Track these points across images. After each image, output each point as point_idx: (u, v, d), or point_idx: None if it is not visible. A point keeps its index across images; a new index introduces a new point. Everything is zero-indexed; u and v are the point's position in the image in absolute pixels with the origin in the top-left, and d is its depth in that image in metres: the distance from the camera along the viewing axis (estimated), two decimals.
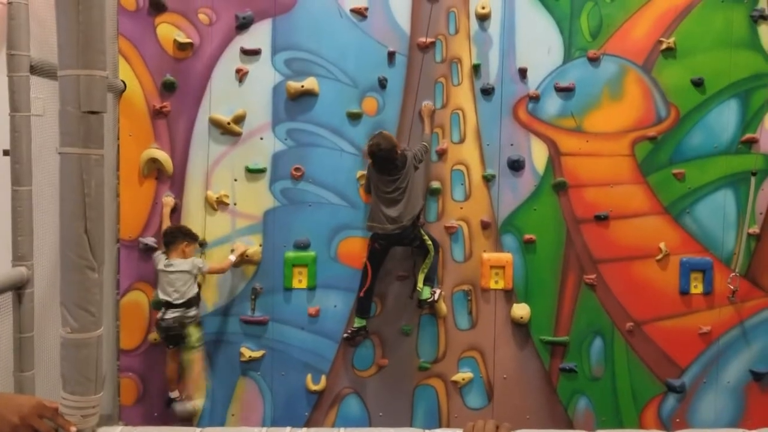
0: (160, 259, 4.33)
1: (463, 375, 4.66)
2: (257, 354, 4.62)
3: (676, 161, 4.61)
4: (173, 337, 4.33)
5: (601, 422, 4.63)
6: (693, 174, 4.60)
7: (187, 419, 4.45)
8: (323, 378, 4.65)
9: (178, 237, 4.34)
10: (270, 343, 4.64)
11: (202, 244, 4.53)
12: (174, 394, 4.47)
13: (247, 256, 4.55)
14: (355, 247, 4.62)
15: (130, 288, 4.57)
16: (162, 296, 4.29)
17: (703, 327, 4.60)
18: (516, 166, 4.61)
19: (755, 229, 4.60)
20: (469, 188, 4.65)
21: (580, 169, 4.61)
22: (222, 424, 4.62)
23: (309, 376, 4.64)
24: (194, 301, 4.35)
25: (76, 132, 1.46)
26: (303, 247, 4.62)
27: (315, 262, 4.62)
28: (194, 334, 4.35)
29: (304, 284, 4.63)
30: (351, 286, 4.63)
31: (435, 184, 4.62)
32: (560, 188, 4.61)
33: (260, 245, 4.60)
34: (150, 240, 4.51)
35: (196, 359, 4.39)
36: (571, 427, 4.63)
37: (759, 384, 4.63)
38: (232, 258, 4.44)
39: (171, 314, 4.27)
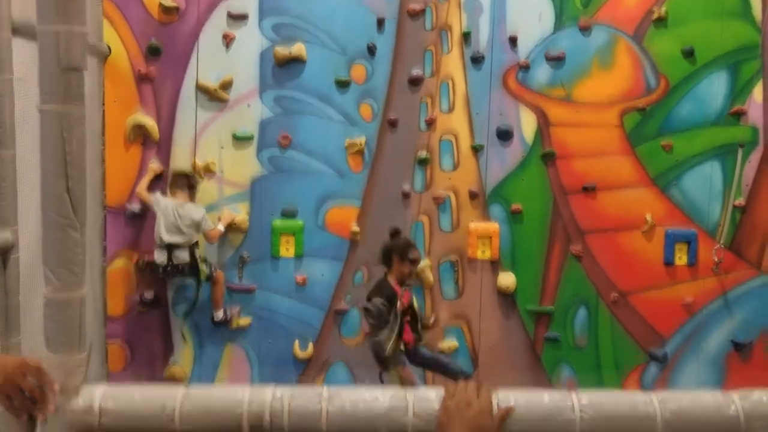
0: (165, 200, 4.30)
1: (449, 344, 4.70)
2: (245, 321, 4.64)
3: (664, 132, 4.62)
4: (187, 273, 4.35)
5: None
6: (681, 145, 4.62)
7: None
8: (311, 345, 4.67)
9: (185, 180, 4.38)
10: (257, 310, 4.66)
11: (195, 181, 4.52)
12: (219, 314, 4.51)
13: (234, 224, 4.54)
14: (343, 216, 4.62)
15: (116, 255, 4.55)
16: (167, 238, 4.26)
17: (686, 298, 4.66)
18: (505, 136, 4.60)
19: (741, 201, 4.63)
20: (458, 158, 4.64)
21: (569, 139, 4.61)
22: None
23: (296, 344, 4.67)
24: (197, 242, 4.37)
25: (55, 89, 1.43)
26: (290, 215, 4.61)
27: (302, 230, 4.62)
28: (204, 266, 4.41)
29: (291, 253, 4.63)
30: (339, 255, 4.65)
31: (423, 154, 4.61)
32: (548, 159, 4.62)
33: (247, 213, 4.59)
34: (136, 207, 4.49)
35: (219, 280, 4.47)
36: None
37: (740, 354, 4.70)
38: (221, 227, 4.43)
39: (181, 252, 4.29)
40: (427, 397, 1.55)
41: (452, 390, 1.53)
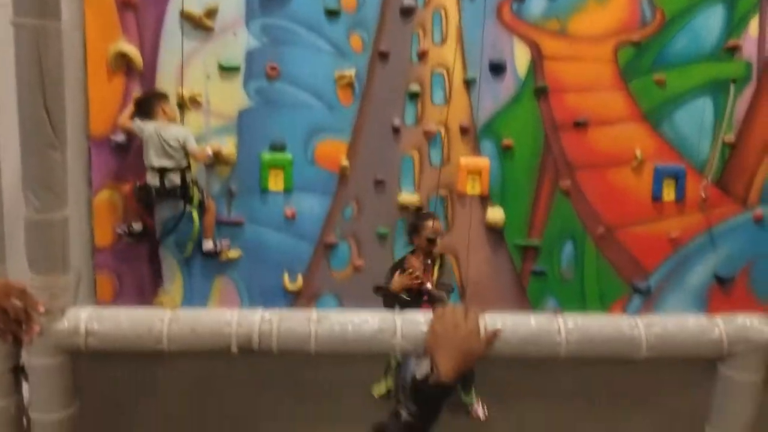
0: (147, 125, 4.23)
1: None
2: (234, 254, 4.64)
3: (658, 67, 4.55)
4: (180, 196, 4.32)
5: None
6: (674, 80, 4.56)
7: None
8: (300, 278, 4.70)
9: (153, 100, 4.26)
10: (246, 243, 4.65)
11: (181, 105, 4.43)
12: (209, 244, 4.51)
13: (221, 156, 4.48)
14: (332, 150, 4.57)
15: (103, 186, 4.50)
16: (156, 162, 4.22)
17: (672, 233, 4.69)
18: (497, 69, 4.52)
19: (731, 138, 4.61)
20: (449, 92, 4.57)
21: (562, 73, 4.54)
22: None
23: (286, 276, 4.69)
24: (189, 165, 4.33)
25: (30, 2, 1.37)
26: (279, 148, 4.55)
27: (291, 164, 4.57)
28: (197, 191, 4.39)
29: (280, 186, 4.60)
30: (328, 189, 4.62)
31: (414, 87, 4.53)
32: (541, 93, 4.56)
33: (235, 146, 4.52)
34: (120, 138, 4.41)
35: (210, 208, 4.46)
36: None
37: (722, 287, 4.77)
38: (209, 150, 4.37)
39: (173, 175, 4.26)
40: (416, 320, 1.56)
41: (440, 313, 1.54)
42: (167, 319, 1.50)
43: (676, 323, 1.59)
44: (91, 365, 1.58)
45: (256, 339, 1.49)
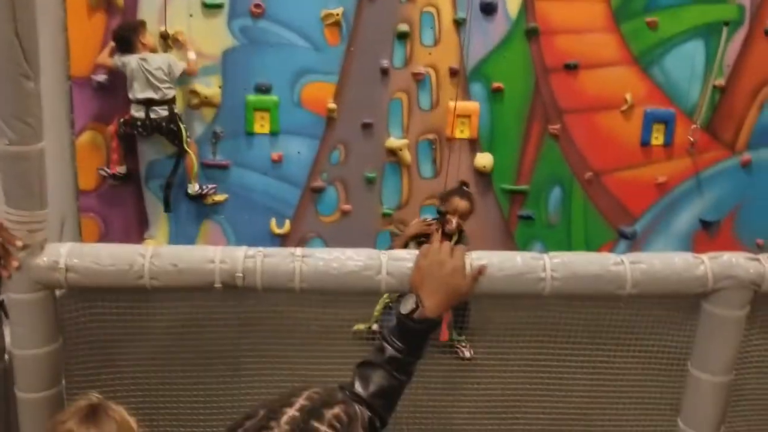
0: (130, 59, 4.12)
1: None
2: (220, 198, 4.60)
3: (650, 9, 4.47)
4: (167, 130, 4.25)
5: None
6: (666, 23, 4.48)
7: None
8: (287, 222, 4.68)
9: (131, 33, 4.14)
10: (233, 187, 4.61)
11: (165, 37, 4.31)
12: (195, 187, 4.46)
13: (205, 97, 4.40)
14: (319, 92, 4.49)
15: (85, 127, 4.42)
16: (141, 95, 4.13)
17: (659, 178, 4.69)
18: (488, 9, 4.42)
19: (721, 82, 4.57)
20: (439, 33, 4.48)
21: (554, 14, 4.45)
22: None
23: (273, 221, 4.67)
24: (174, 99, 4.25)
25: None
26: (265, 90, 4.47)
27: (277, 106, 4.49)
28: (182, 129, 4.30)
29: (266, 129, 4.53)
30: (315, 132, 4.56)
31: (403, 27, 4.43)
32: (532, 35, 4.47)
33: (219, 87, 4.44)
34: (102, 77, 4.31)
35: (192, 149, 4.39)
36: None
37: (707, 232, 4.81)
38: (192, 56, 4.26)
39: (160, 108, 4.17)
40: (401, 257, 1.54)
41: (426, 250, 1.53)
42: (149, 255, 1.48)
43: (661, 260, 1.59)
44: (73, 302, 1.56)
45: (240, 275, 1.47)
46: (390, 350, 1.40)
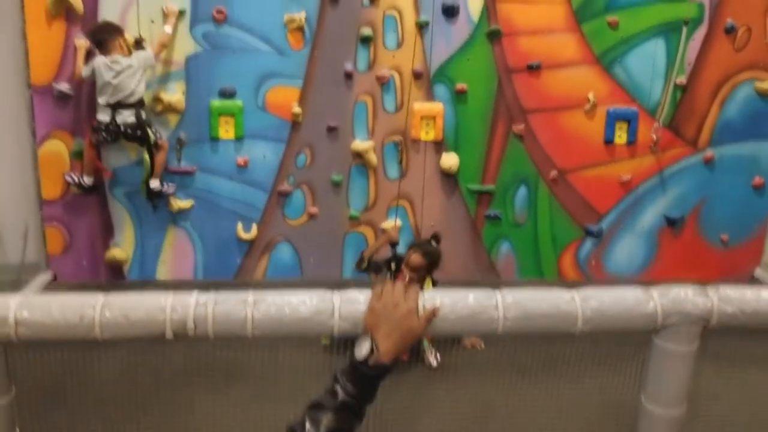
0: (100, 59, 4.05)
1: (393, 223, 4.74)
2: (186, 204, 4.57)
3: (611, 8, 4.50)
4: (133, 136, 4.17)
5: (522, 265, 4.88)
6: (627, 22, 4.52)
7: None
8: (254, 226, 4.66)
9: (110, 32, 4.07)
10: (198, 193, 4.58)
11: (140, 42, 4.24)
12: (156, 183, 4.36)
13: (169, 104, 4.35)
14: (283, 96, 4.46)
15: (47, 136, 4.35)
16: (110, 99, 4.06)
17: (624, 175, 4.75)
18: (450, 11, 4.42)
19: (682, 80, 4.63)
20: (402, 35, 4.47)
21: (515, 15, 4.46)
22: (153, 272, 4.65)
23: (239, 225, 4.65)
24: (143, 102, 4.18)
25: None
26: (229, 95, 4.43)
27: (242, 111, 4.46)
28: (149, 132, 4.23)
29: (231, 134, 4.50)
30: (280, 136, 4.54)
31: (366, 31, 4.41)
32: (494, 36, 4.48)
33: (183, 93, 4.39)
34: (64, 86, 4.23)
35: (164, 147, 4.35)
36: (494, 270, 4.87)
37: (671, 229, 4.89)
38: (168, 29, 4.19)
39: (127, 112, 4.09)
40: (354, 299, 1.55)
41: (379, 291, 1.54)
42: (99, 306, 1.47)
43: (612, 296, 1.62)
44: (24, 352, 1.55)
45: (191, 324, 1.47)
46: (341, 395, 1.42)
